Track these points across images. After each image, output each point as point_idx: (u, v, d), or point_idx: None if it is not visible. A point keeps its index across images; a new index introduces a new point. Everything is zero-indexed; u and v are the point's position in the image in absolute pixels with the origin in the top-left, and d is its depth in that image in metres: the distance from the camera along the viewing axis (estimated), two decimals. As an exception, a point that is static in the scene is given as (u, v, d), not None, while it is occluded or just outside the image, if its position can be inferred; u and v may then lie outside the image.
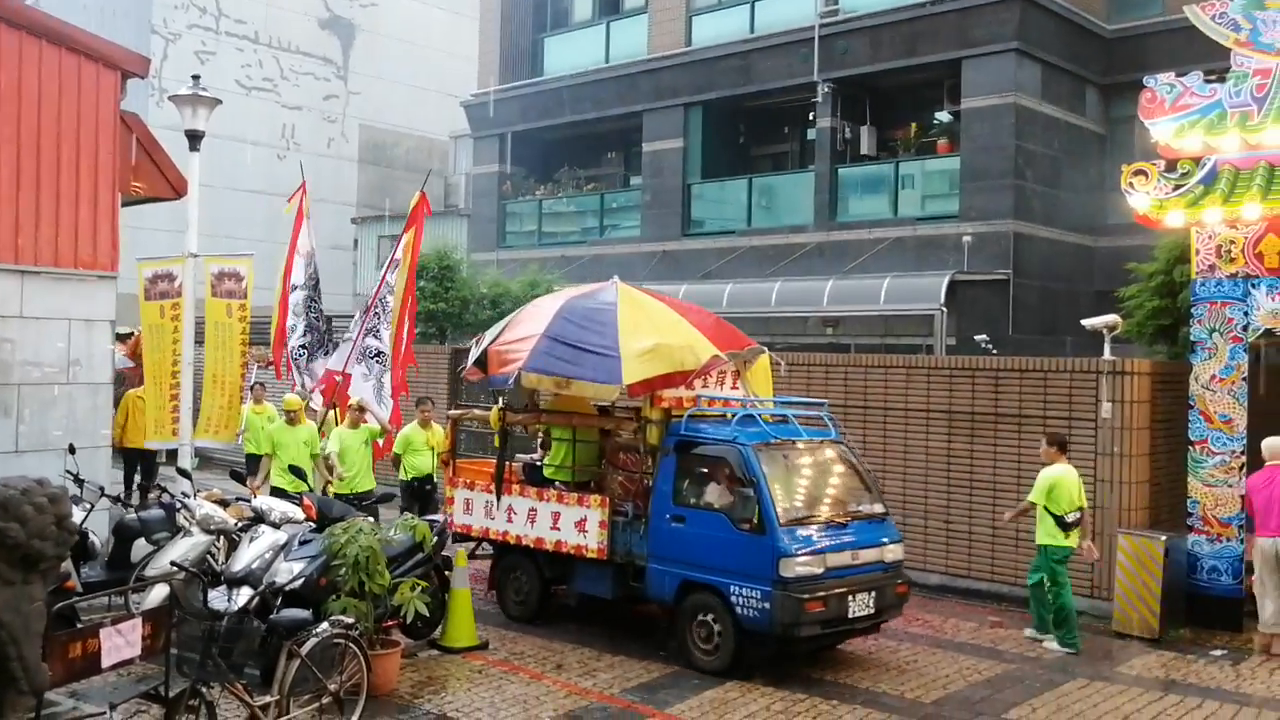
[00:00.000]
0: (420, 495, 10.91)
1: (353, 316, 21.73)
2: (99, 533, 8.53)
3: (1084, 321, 10.60)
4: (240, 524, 7.77)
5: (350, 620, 6.33)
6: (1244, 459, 8.89)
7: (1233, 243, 8.89)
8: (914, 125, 18.92)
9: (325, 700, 5.87)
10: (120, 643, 5.05)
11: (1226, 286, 8.96)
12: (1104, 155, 18.07)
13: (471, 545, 9.46)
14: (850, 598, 7.43)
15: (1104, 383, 9.49)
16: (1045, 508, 8.39)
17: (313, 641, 5.79)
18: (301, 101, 31.64)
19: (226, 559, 7.50)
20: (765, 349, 9.27)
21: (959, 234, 16.71)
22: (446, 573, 8.30)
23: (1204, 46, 9.72)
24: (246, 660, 6.20)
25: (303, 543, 7.37)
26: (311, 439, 10.38)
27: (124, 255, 9.68)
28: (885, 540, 7.90)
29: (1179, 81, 9.32)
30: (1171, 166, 9.27)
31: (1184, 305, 9.98)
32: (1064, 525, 8.34)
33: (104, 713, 5.75)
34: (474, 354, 9.13)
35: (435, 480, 10.91)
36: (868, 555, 7.69)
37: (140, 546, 8.24)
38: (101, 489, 8.79)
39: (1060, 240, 17.44)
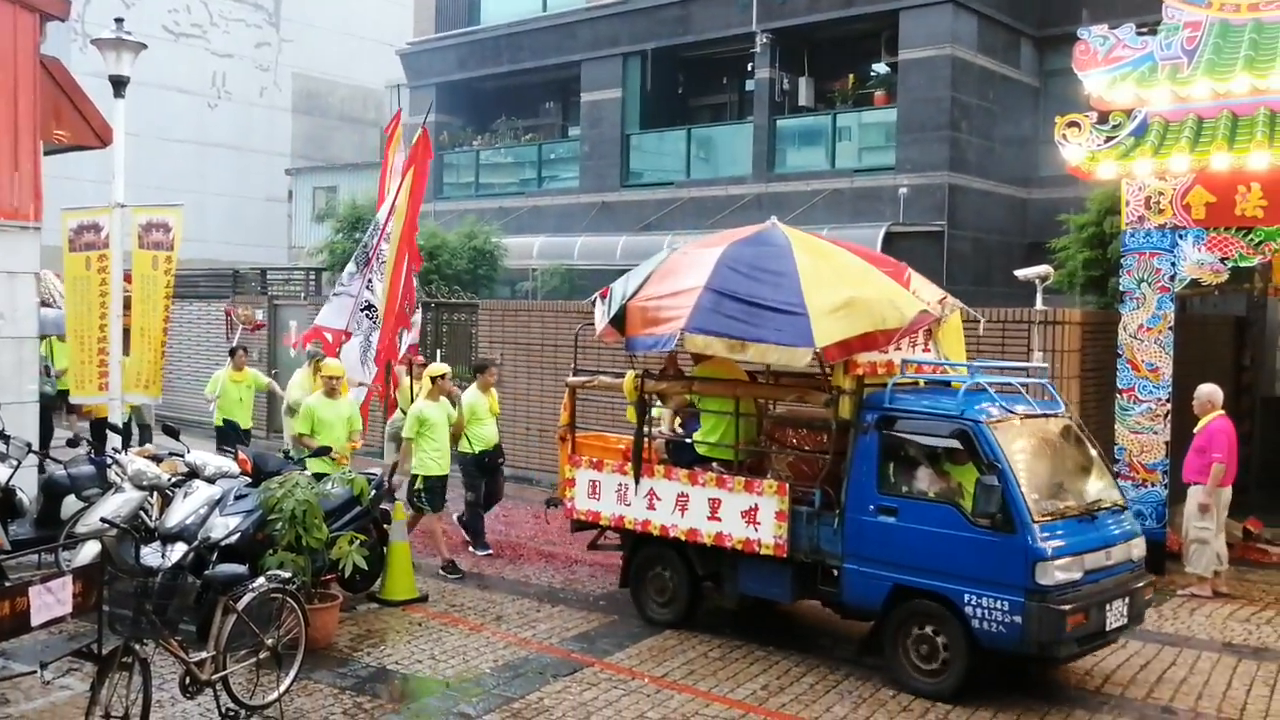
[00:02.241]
0: (490, 469, 9.81)
1: (293, 269, 21.34)
2: (27, 490, 8.33)
3: (1017, 272, 10.81)
4: (174, 479, 7.63)
5: (287, 575, 6.27)
6: (1169, 406, 9.19)
7: (1161, 194, 9.09)
8: (851, 77, 18.96)
9: (262, 655, 5.82)
10: (50, 601, 4.97)
11: (1155, 237, 9.18)
12: (1038, 108, 18.31)
13: (593, 534, 8.34)
14: (1107, 606, 6.24)
15: (1035, 332, 9.71)
16: None
17: (249, 596, 5.73)
18: (232, 49, 30.61)
19: (160, 515, 7.37)
20: (960, 302, 7.79)
21: (895, 186, 16.86)
22: (385, 526, 8.26)
23: (1139, 0, 9.85)
24: (181, 616, 6.11)
25: (238, 497, 7.29)
26: (354, 415, 8.99)
27: (49, 206, 9.34)
28: (1133, 533, 6.66)
29: (1112, 34, 9.43)
30: (1104, 119, 9.41)
31: (1114, 256, 10.22)
32: None
33: (34, 671, 5.66)
34: (606, 310, 7.63)
35: (503, 453, 9.98)
36: (1118, 553, 6.46)
37: (70, 503, 8.10)
38: (29, 445, 8.58)
39: (994, 192, 17.70)
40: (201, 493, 7.22)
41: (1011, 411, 6.57)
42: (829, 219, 17.28)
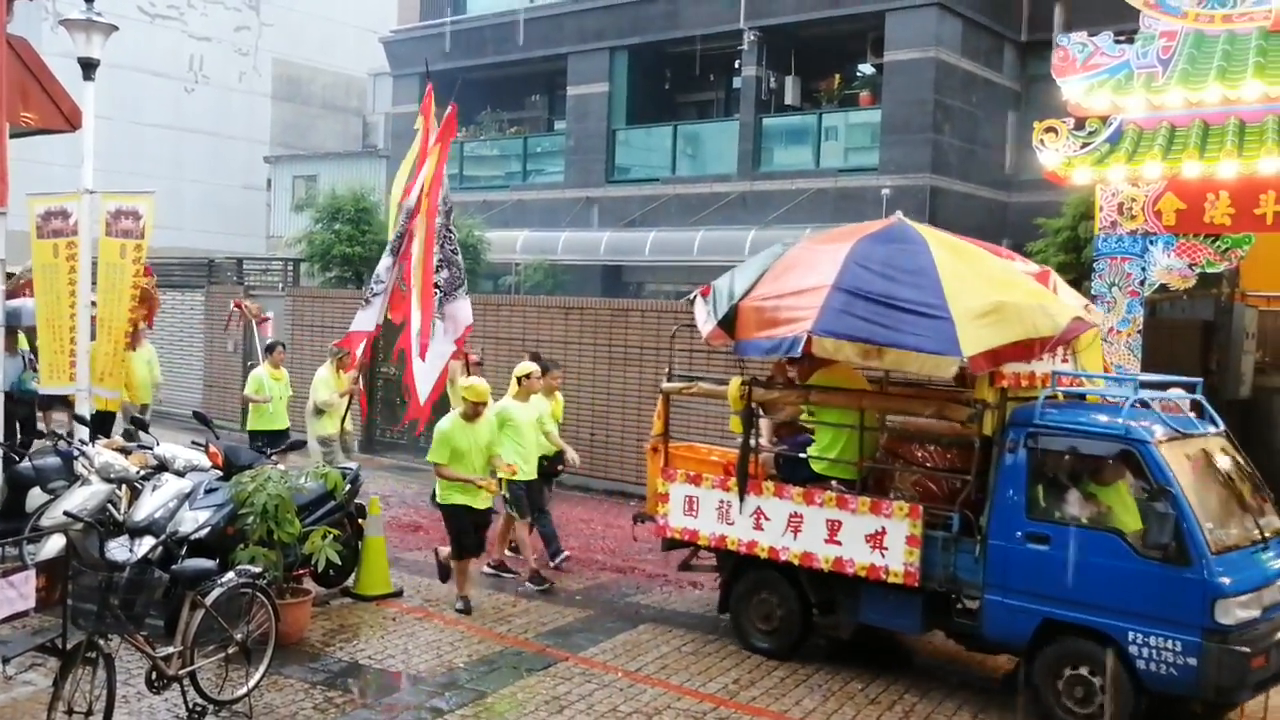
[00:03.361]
0: (550, 477, 9.32)
1: (271, 260, 21.17)
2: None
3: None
4: (142, 472, 7.56)
5: (257, 569, 6.22)
6: (1137, 409, 9.28)
7: (1134, 200, 9.17)
8: (837, 77, 19.02)
9: (231, 650, 5.78)
10: (13, 595, 4.89)
11: (1127, 242, 9.25)
12: (1019, 112, 18.43)
13: (686, 554, 7.84)
14: None
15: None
16: None
17: (217, 591, 5.68)
18: (210, 32, 30.29)
19: (129, 508, 7.30)
20: (1099, 310, 7.12)
21: (878, 186, 16.92)
22: (360, 520, 8.21)
23: (1119, 7, 9.91)
24: (149, 611, 6.08)
25: (209, 491, 7.22)
26: (492, 440, 7.91)
27: (15, 190, 9.13)
28: None
29: (1090, 41, 9.48)
30: (1080, 124, 9.46)
31: (1087, 260, 10.30)
32: None
33: (-3, 666, 5.61)
34: (712, 311, 6.99)
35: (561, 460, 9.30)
36: None
37: (35, 496, 7.95)
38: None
39: (975, 195, 17.80)
40: (170, 486, 7.15)
41: (1179, 431, 6.02)
42: (812, 219, 17.33)
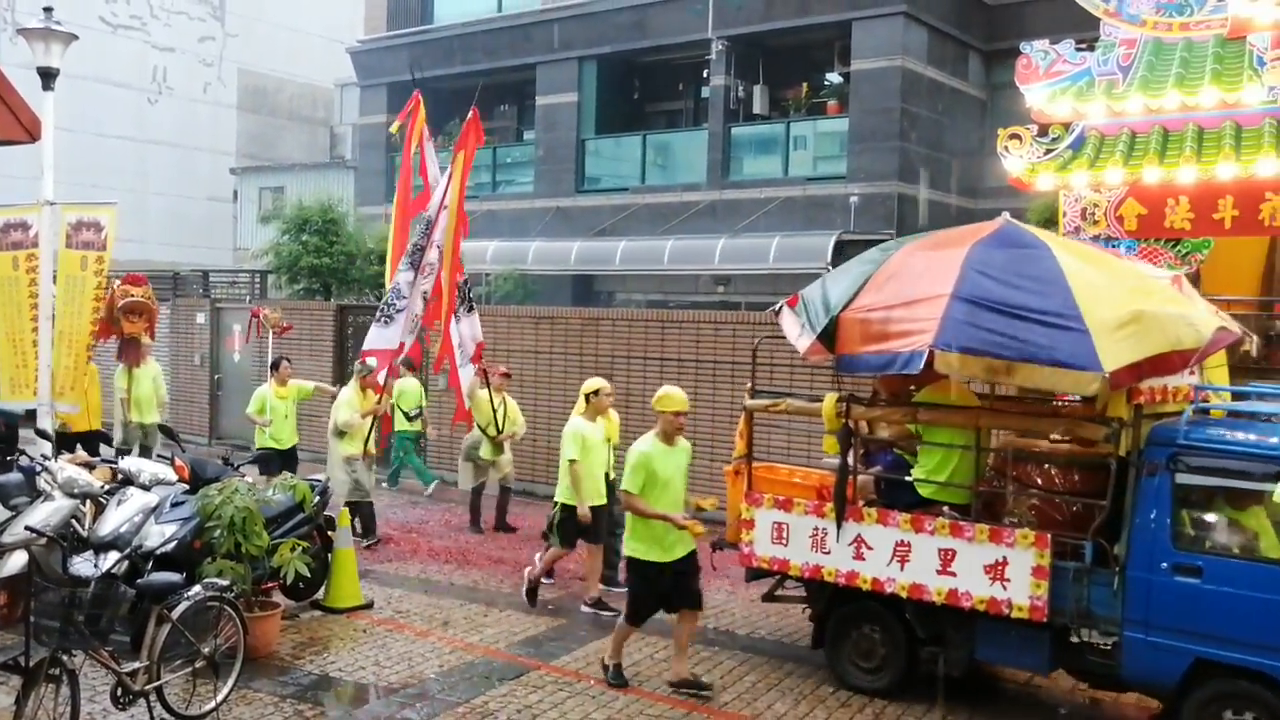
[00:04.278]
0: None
1: (238, 272, 20.93)
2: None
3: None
4: (107, 487, 7.44)
5: (225, 582, 6.15)
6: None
7: (1096, 205, 9.32)
8: (805, 85, 19.15)
9: (199, 664, 5.70)
10: (-27, 612, 4.82)
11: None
12: (985, 120, 18.65)
13: (771, 584, 7.26)
14: None
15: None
16: None
17: (184, 605, 5.61)
18: (174, 42, 30.00)
19: (93, 523, 7.18)
20: (1231, 319, 6.53)
21: (846, 194, 17.06)
22: (330, 533, 8.14)
23: (1082, 15, 10.07)
24: (113, 627, 5.96)
25: (175, 505, 7.11)
26: (686, 464, 6.91)
27: (-24, 204, 9.03)
28: None
29: (1053, 49, 9.63)
30: (1044, 131, 9.61)
31: (1052, 266, 10.44)
32: None
33: (-44, 685, 5.49)
34: (806, 323, 6.46)
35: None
36: None
37: (-3, 511, 7.81)
38: (-46, 452, 8.29)
39: (942, 202, 17.98)
40: (136, 500, 7.03)
41: None
42: (781, 226, 17.44)
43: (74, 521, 7.25)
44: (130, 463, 7.60)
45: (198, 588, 5.84)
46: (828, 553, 6.49)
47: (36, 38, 9.04)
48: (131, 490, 7.19)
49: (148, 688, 5.42)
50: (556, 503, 8.10)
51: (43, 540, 6.11)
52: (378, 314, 9.47)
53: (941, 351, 5.59)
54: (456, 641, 7.28)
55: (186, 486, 7.44)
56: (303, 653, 6.97)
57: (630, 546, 6.33)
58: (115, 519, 6.88)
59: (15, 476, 7.95)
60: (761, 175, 18.75)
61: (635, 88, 21.50)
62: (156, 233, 27.96)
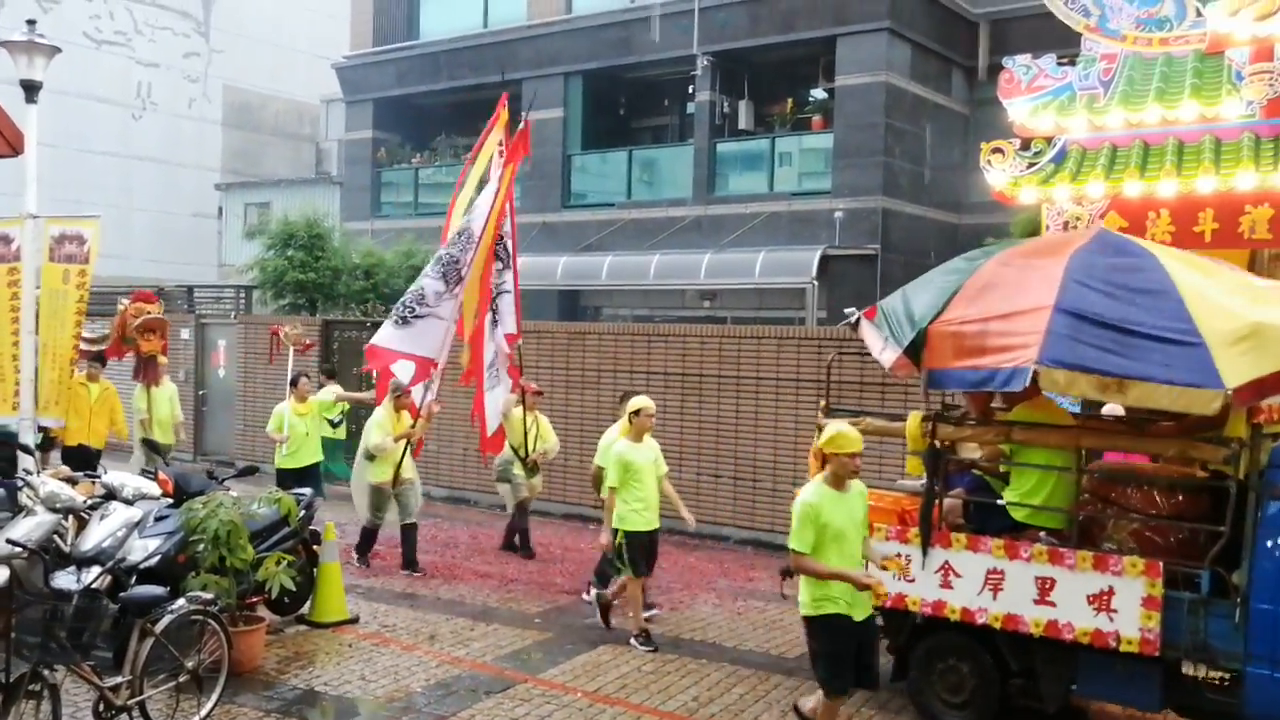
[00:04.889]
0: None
1: (223, 287, 20.82)
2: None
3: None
4: (90, 501, 7.37)
5: (209, 596, 6.10)
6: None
7: (1079, 219, 9.39)
8: (790, 101, 19.29)
9: (183, 679, 5.65)
10: (-48, 627, 4.76)
11: (1073, 260, 9.47)
12: (968, 135, 18.82)
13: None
14: None
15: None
16: None
17: (168, 619, 5.56)
18: (159, 58, 29.95)
19: (76, 539, 7.11)
20: None
21: (831, 209, 17.16)
22: (315, 547, 8.08)
23: (1064, 31, 10.19)
24: (96, 642, 5.89)
25: (159, 519, 7.05)
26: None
27: (-43, 218, 8.97)
28: None
29: (1034, 64, 9.73)
30: (1026, 145, 9.69)
31: (1036, 278, 10.52)
32: None
33: (-66, 702, 5.41)
34: (890, 335, 6.11)
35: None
36: None
37: (-23, 528, 7.72)
38: (-64, 466, 8.20)
39: (925, 217, 18.11)
40: (119, 515, 6.95)
41: None
42: (767, 241, 17.52)
43: (56, 537, 7.19)
44: (113, 477, 7.53)
45: (181, 601, 5.80)
46: (911, 581, 6.08)
47: (19, 50, 9.02)
48: (115, 505, 7.11)
49: (131, 702, 5.37)
50: (617, 530, 7.54)
51: (24, 554, 6.06)
52: (393, 312, 9.33)
53: (1047, 368, 5.20)
54: (443, 655, 7.23)
55: (171, 501, 7.39)
56: (288, 667, 6.91)
57: (816, 605, 5.44)
58: (98, 534, 6.81)
59: (-4, 492, 7.89)
60: (747, 191, 18.84)
61: (621, 103, 21.60)
62: (140, 249, 27.84)
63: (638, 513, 7.48)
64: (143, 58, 29.66)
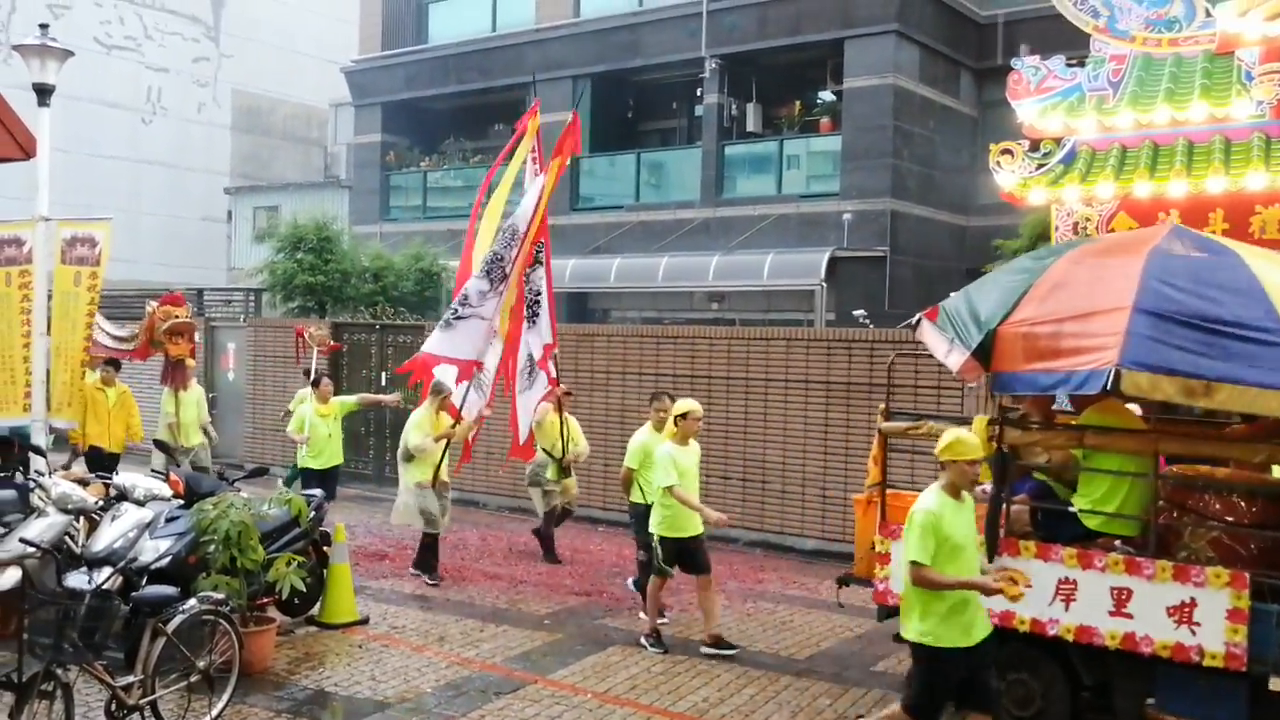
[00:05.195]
0: None
1: (232, 290, 20.87)
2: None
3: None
4: (101, 502, 7.41)
5: (220, 596, 6.13)
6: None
7: (1088, 220, 9.37)
8: (798, 103, 19.29)
9: (194, 679, 5.67)
10: (-35, 627, 4.79)
11: (1083, 262, 9.46)
12: (976, 138, 18.80)
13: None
14: None
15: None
16: None
17: (179, 618, 5.59)
18: (168, 63, 30.09)
19: (87, 540, 7.15)
20: None
21: (839, 211, 17.15)
22: (325, 548, 8.10)
23: (1072, 34, 10.18)
24: (108, 642, 5.93)
25: (170, 520, 7.09)
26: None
27: (-33, 224, 8.99)
28: None
29: (1043, 65, 9.72)
30: (1035, 146, 9.67)
31: (1044, 280, 10.50)
32: None
33: (-52, 701, 5.44)
34: (956, 337, 5.86)
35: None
36: None
37: (-11, 530, 7.76)
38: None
39: (934, 219, 18.08)
40: (130, 516, 7.00)
41: None
42: (775, 243, 17.52)
43: (67, 538, 7.24)
44: (124, 478, 7.56)
45: (193, 601, 5.82)
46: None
47: (32, 54, 9.09)
48: (126, 506, 7.16)
49: (142, 702, 5.39)
50: (655, 535, 7.43)
51: (36, 554, 6.09)
52: (443, 317, 9.22)
53: (1129, 370, 4.97)
54: (453, 656, 7.24)
55: (181, 502, 7.42)
56: (298, 668, 6.93)
57: (916, 630, 5.07)
58: (109, 535, 6.85)
59: (8, 493, 7.93)
60: (755, 193, 18.84)
61: (629, 106, 21.63)
62: (149, 253, 27.95)
63: (685, 517, 7.34)
64: (152, 62, 29.81)
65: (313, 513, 7.87)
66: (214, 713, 5.81)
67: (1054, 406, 6.36)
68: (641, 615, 7.88)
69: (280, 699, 6.36)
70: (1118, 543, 5.79)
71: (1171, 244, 5.65)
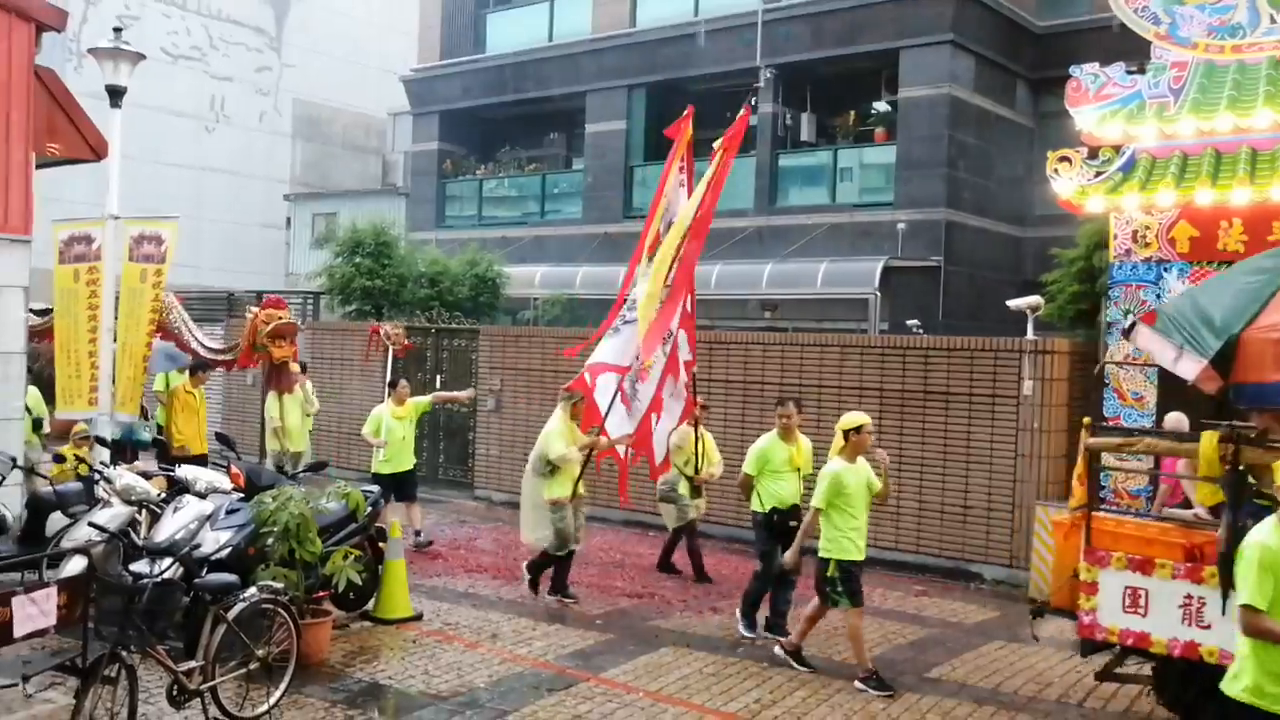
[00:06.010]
0: (784, 532, 7.77)
1: (291, 293, 21.31)
2: (11, 507, 8.20)
3: (1009, 302, 10.95)
4: (163, 495, 7.62)
5: (279, 585, 6.26)
6: (1156, 435, 9.20)
7: (1148, 228, 9.24)
8: (852, 113, 19.22)
9: (253, 667, 5.80)
10: (34, 612, 4.89)
11: (1141, 270, 9.31)
12: (1032, 148, 18.53)
13: (1107, 660, 6.17)
14: None
15: (1026, 361, 9.80)
16: None
17: (240, 606, 5.72)
18: (232, 72, 30.82)
19: (149, 531, 7.35)
20: None
21: (894, 221, 17.03)
22: (381, 544, 8.24)
23: (1129, 44, 10.05)
24: (169, 630, 6.10)
25: (230, 512, 7.26)
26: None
27: (41, 225, 9.24)
28: None
29: (1103, 72, 9.61)
30: (1094, 154, 9.57)
31: (1101, 289, 10.35)
32: None
33: (16, 684, 5.63)
34: (1189, 343, 5.44)
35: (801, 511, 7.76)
36: None
37: (56, 520, 7.99)
38: (13, 460, 8.45)
39: (990, 230, 17.87)
40: (191, 508, 7.19)
41: None
42: (828, 252, 17.45)
43: (130, 530, 7.44)
44: (186, 471, 7.77)
45: (253, 590, 5.95)
46: (1206, 627, 5.25)
47: (106, 56, 9.39)
48: (187, 498, 7.35)
49: (203, 687, 5.52)
50: (828, 559, 6.98)
51: (102, 542, 6.29)
52: (614, 325, 9.00)
53: None
54: (505, 653, 7.32)
55: (242, 494, 7.59)
56: (353, 661, 7.05)
57: (1241, 686, 4.03)
58: (171, 526, 7.05)
59: (75, 485, 8.19)
60: (808, 202, 18.78)
61: (683, 116, 21.67)
62: (210, 259, 28.59)
63: (852, 540, 6.87)
64: (216, 72, 30.55)
65: (369, 508, 8.01)
66: (271, 701, 5.92)
67: None
68: (712, 616, 7.57)
69: (336, 690, 6.48)
70: None
71: None
